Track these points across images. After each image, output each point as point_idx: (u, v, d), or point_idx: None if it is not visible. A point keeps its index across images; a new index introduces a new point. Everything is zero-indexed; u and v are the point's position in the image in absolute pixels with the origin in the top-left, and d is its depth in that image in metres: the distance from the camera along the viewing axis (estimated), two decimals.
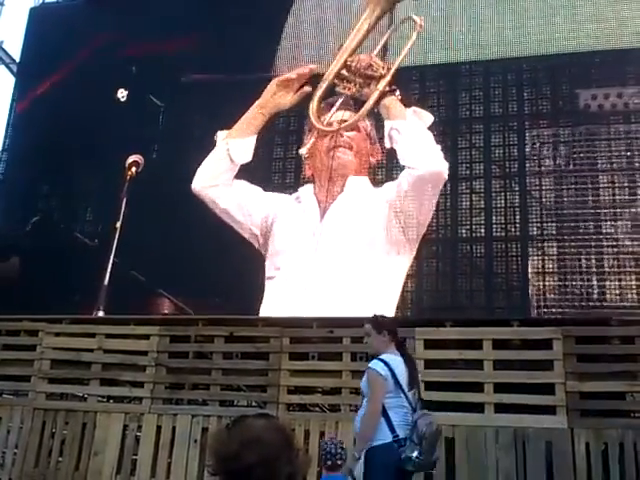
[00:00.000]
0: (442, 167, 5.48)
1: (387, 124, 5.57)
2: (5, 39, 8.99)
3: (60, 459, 4.86)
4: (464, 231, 5.95)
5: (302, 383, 4.72)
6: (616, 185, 5.67)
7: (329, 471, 3.49)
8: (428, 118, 5.62)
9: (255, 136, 5.82)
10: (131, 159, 6.16)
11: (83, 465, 4.76)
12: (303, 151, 5.66)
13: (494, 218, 5.79)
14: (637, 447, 3.95)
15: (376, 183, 5.91)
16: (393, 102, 5.50)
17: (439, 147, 5.59)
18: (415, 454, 3.19)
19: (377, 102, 5.50)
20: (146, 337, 5.03)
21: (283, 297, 5.33)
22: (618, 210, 5.59)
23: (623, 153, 5.70)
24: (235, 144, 5.75)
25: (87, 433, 4.84)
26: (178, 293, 6.00)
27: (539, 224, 5.77)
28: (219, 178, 5.80)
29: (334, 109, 5.53)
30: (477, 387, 4.32)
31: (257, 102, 5.85)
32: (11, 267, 6.92)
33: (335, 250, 5.31)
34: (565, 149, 5.81)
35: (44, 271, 6.52)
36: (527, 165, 5.90)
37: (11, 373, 5.26)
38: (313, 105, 5.47)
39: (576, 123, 5.81)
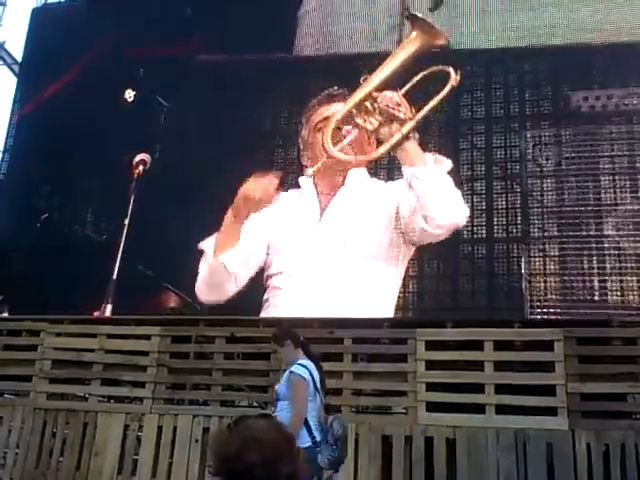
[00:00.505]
0: (462, 218, 5.31)
1: (406, 170, 5.27)
2: (7, 40, 9.03)
3: (61, 459, 4.86)
4: (465, 232, 5.96)
5: None
6: (617, 186, 5.68)
7: None
8: (447, 164, 5.39)
9: (240, 242, 5.53)
10: (138, 158, 6.21)
11: (84, 465, 4.76)
12: (310, 172, 5.45)
13: (495, 219, 5.80)
14: (638, 448, 3.95)
15: (375, 176, 5.89)
16: (413, 146, 5.19)
17: (459, 193, 5.37)
18: (332, 454, 3.43)
19: (396, 145, 5.21)
20: (147, 337, 5.03)
21: (284, 297, 5.32)
22: (619, 211, 5.60)
23: (623, 153, 5.71)
24: (228, 257, 5.48)
25: (88, 433, 4.84)
26: (183, 288, 6.05)
27: (540, 225, 5.78)
28: (224, 290, 5.61)
29: (346, 141, 5.26)
30: (478, 388, 4.32)
31: (230, 210, 5.53)
32: (19, 263, 6.99)
33: (335, 247, 5.28)
34: (565, 150, 5.82)
35: (49, 269, 6.56)
36: (528, 166, 5.91)
37: (12, 373, 5.26)
38: (328, 133, 5.16)
39: (575, 124, 5.82)
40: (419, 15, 5.18)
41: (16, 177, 7.79)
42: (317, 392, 3.60)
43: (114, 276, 5.65)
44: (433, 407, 4.34)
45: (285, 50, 6.82)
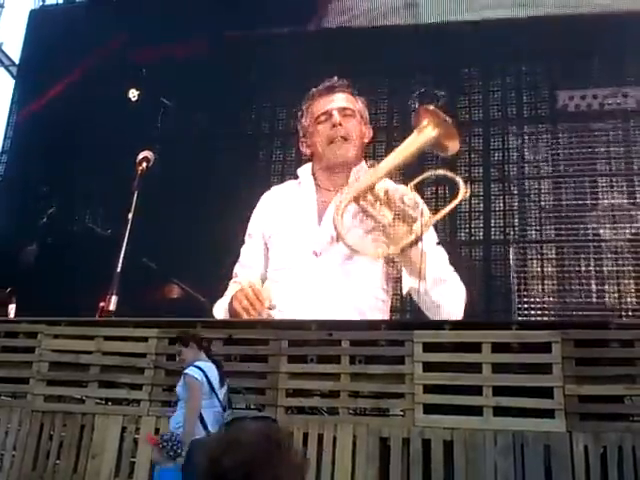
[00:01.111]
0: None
1: (407, 279, 5.12)
2: (5, 41, 9.03)
3: (58, 461, 4.85)
4: (463, 234, 5.96)
5: (301, 386, 4.71)
6: (615, 188, 5.68)
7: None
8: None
9: None
10: (142, 155, 6.24)
11: (81, 467, 4.75)
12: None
13: (493, 221, 5.80)
14: (636, 451, 3.94)
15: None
16: (418, 258, 4.92)
17: (463, 291, 5.21)
18: None
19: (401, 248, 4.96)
20: (144, 339, 5.02)
21: (282, 298, 5.30)
22: (617, 213, 5.59)
23: (622, 155, 5.71)
24: None
25: (85, 435, 4.83)
26: (186, 280, 6.09)
27: (538, 227, 5.78)
28: None
29: (362, 232, 5.12)
30: (476, 390, 4.31)
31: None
32: (29, 255, 7.01)
33: (332, 246, 5.24)
34: (563, 151, 5.82)
35: (54, 265, 6.58)
36: (526, 168, 5.91)
37: (9, 375, 5.25)
38: (340, 212, 5.02)
39: (567, 125, 5.82)
40: (432, 108, 5.07)
41: (16, 177, 7.80)
42: (213, 392, 3.92)
43: (118, 269, 5.67)
44: (430, 409, 4.34)
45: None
